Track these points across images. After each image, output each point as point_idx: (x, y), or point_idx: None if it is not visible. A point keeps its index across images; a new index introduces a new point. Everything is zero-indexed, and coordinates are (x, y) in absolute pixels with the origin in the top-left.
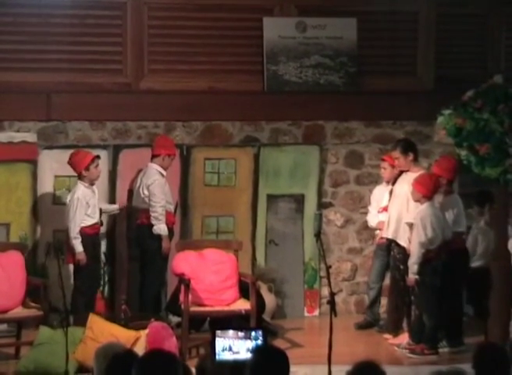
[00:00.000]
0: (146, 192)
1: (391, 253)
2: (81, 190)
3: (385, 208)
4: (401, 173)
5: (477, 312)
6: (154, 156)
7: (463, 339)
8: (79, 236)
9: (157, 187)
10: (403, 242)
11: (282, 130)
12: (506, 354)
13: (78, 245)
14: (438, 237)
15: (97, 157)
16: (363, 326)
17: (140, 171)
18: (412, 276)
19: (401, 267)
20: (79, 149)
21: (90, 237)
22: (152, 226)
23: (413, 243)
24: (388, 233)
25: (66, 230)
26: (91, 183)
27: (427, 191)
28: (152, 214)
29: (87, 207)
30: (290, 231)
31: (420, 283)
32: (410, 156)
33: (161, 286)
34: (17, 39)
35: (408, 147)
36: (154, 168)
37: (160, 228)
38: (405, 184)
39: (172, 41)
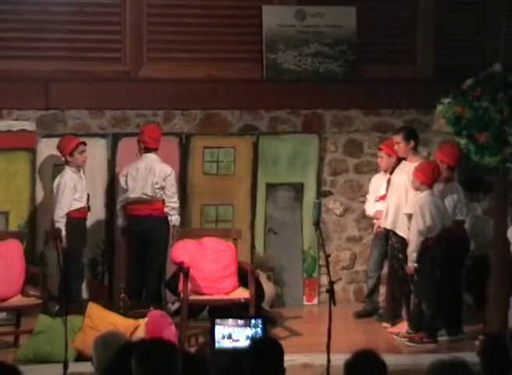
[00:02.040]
0: (162, 183)
1: (389, 242)
2: (68, 174)
3: (383, 197)
4: (399, 162)
5: (475, 300)
6: (153, 149)
7: (462, 327)
8: (63, 220)
9: (174, 178)
10: (401, 232)
11: (281, 118)
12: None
13: (62, 228)
14: (437, 225)
15: (83, 143)
16: (362, 315)
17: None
18: (411, 264)
19: (399, 256)
20: (66, 135)
21: (77, 220)
22: (162, 217)
23: (411, 231)
24: (386, 224)
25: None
26: (79, 169)
27: (426, 178)
28: (172, 205)
29: (74, 191)
30: (289, 220)
31: (419, 272)
32: (411, 144)
33: (164, 276)
34: (15, 27)
35: (411, 134)
36: (159, 159)
37: (178, 219)
38: (403, 174)
39: (171, 30)
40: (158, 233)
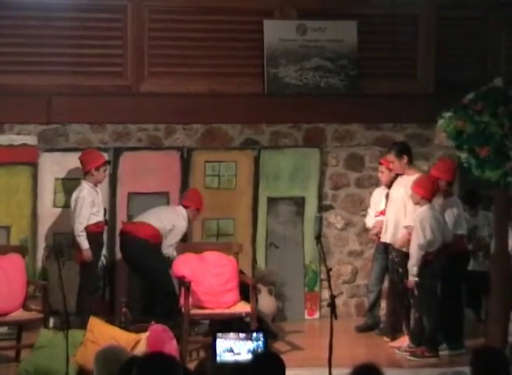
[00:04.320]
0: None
1: (389, 256)
2: (86, 189)
3: (383, 212)
4: (397, 176)
5: (476, 315)
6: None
7: (463, 342)
8: (83, 233)
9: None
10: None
11: (282, 132)
12: (504, 356)
13: (84, 242)
14: (437, 239)
15: (109, 162)
16: (363, 329)
17: None
18: (412, 278)
19: (399, 270)
20: (94, 148)
21: (95, 234)
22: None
23: (412, 245)
24: (386, 238)
25: (67, 232)
26: (96, 185)
27: (426, 192)
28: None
29: (92, 205)
30: (291, 234)
31: (419, 286)
32: (405, 159)
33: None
34: (17, 42)
35: (402, 150)
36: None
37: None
38: (401, 188)
39: (172, 44)
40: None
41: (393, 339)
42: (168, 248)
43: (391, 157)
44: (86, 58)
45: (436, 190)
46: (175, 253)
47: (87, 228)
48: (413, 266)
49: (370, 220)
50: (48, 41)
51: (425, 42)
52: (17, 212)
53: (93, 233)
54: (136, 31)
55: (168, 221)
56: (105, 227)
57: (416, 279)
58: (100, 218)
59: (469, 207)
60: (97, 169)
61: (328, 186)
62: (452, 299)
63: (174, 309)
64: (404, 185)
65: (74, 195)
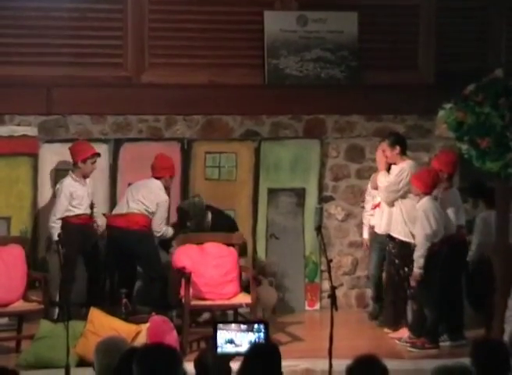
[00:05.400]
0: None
1: (386, 248)
2: (68, 181)
3: (378, 205)
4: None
5: (476, 307)
6: (158, 177)
7: (463, 332)
8: (55, 225)
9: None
10: (396, 234)
11: (282, 123)
12: (504, 347)
13: (54, 234)
14: (440, 230)
15: (98, 154)
16: (375, 316)
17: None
18: (417, 270)
19: (396, 261)
20: (84, 140)
21: (75, 225)
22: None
23: (418, 236)
24: (381, 228)
25: None
26: (84, 177)
27: (425, 187)
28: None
29: (70, 198)
30: (291, 225)
31: (421, 277)
32: (397, 149)
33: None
34: (17, 33)
35: (395, 140)
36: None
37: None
38: (392, 177)
39: (172, 35)
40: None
41: (394, 330)
42: (160, 227)
43: (384, 145)
44: (86, 49)
45: (436, 183)
46: (169, 229)
47: (65, 220)
48: (419, 258)
49: (365, 221)
50: (49, 32)
51: (426, 33)
52: (17, 203)
53: (73, 225)
54: (136, 22)
55: (151, 202)
56: (94, 220)
57: (421, 271)
58: (81, 211)
59: (473, 199)
60: (84, 161)
61: (329, 177)
62: (451, 289)
63: (169, 294)
64: (392, 174)
65: (56, 187)
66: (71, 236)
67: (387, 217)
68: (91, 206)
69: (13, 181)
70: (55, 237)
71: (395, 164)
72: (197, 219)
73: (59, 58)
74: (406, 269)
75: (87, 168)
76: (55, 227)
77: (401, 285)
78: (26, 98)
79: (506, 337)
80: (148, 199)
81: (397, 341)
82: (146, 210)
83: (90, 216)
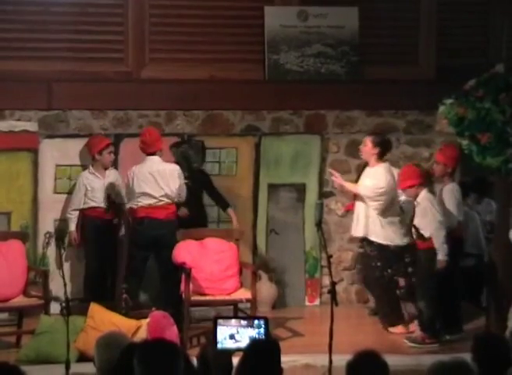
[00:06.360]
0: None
1: (364, 252)
2: (83, 174)
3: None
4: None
5: (475, 303)
6: (153, 153)
7: (462, 326)
8: (71, 216)
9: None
10: (374, 237)
11: (283, 119)
12: (505, 342)
13: (71, 224)
14: (445, 219)
15: (112, 144)
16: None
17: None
18: (444, 257)
19: (378, 264)
20: (98, 134)
21: (90, 218)
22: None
23: (432, 226)
24: (358, 231)
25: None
26: (105, 169)
27: (416, 179)
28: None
29: (84, 190)
30: (291, 220)
31: (419, 272)
32: (376, 150)
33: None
34: (18, 27)
35: (381, 143)
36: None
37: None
38: (366, 179)
39: (173, 30)
40: (174, 238)
41: (393, 326)
42: (184, 193)
43: (368, 140)
44: (86, 44)
45: (425, 175)
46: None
47: (82, 212)
48: (442, 244)
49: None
50: (49, 26)
51: (427, 28)
52: (18, 198)
53: (89, 217)
54: (137, 17)
55: (173, 190)
56: (106, 213)
57: (447, 258)
58: (96, 203)
59: (477, 195)
60: (100, 152)
61: (329, 172)
62: (448, 283)
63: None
64: (370, 177)
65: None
66: (88, 228)
67: (363, 220)
68: (107, 200)
69: (13, 176)
70: (72, 228)
71: (367, 161)
72: (199, 159)
73: (60, 54)
74: (389, 270)
75: (105, 158)
76: (71, 218)
77: (390, 286)
78: (27, 93)
79: (507, 333)
80: (170, 187)
81: (405, 340)
82: (174, 198)
83: (106, 210)
